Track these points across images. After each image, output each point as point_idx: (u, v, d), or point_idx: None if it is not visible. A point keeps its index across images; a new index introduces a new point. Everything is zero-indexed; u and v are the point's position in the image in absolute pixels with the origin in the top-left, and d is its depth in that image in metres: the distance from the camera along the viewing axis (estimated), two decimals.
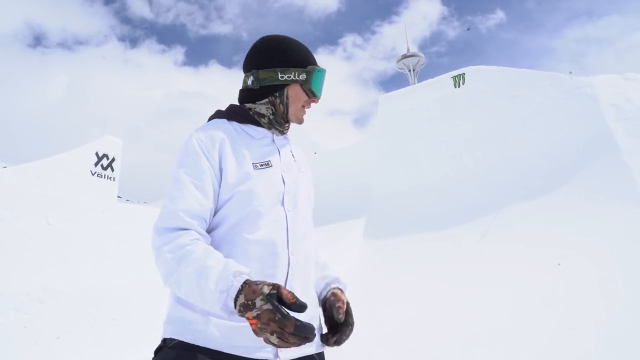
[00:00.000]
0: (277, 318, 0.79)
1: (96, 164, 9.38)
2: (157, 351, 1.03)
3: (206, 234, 1.05)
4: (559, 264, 4.90)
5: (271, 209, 1.09)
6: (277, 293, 0.84)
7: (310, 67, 1.20)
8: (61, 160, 8.77)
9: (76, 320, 3.80)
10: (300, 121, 1.24)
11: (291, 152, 1.24)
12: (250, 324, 0.82)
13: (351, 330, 1.13)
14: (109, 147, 9.75)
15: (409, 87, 11.19)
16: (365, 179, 9.69)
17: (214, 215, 1.08)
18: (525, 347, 3.47)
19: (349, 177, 10.50)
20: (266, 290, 0.83)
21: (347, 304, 1.16)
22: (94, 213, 5.00)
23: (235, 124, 1.18)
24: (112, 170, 9.72)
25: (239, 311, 0.84)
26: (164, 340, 1.03)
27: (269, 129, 1.20)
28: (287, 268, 1.06)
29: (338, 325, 1.12)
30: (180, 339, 0.99)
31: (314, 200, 1.33)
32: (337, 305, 1.13)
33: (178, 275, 0.93)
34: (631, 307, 3.64)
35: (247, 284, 0.86)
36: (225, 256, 0.99)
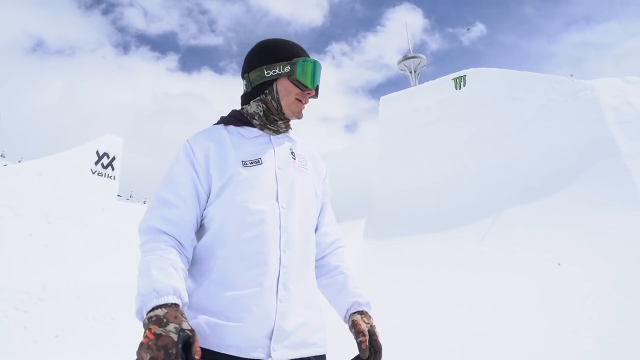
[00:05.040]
0: (171, 352, 0.79)
1: (96, 163, 9.38)
2: None
3: (181, 241, 1.06)
4: (559, 264, 4.90)
5: (262, 206, 1.08)
6: (190, 337, 0.84)
7: (295, 58, 1.19)
8: (62, 158, 8.77)
9: (75, 319, 3.80)
10: (297, 115, 1.22)
11: (291, 150, 1.23)
12: (145, 336, 0.81)
13: (379, 357, 1.11)
14: (110, 146, 9.75)
15: (410, 89, 11.16)
16: (366, 180, 9.68)
17: (205, 217, 1.11)
18: (525, 350, 3.46)
19: (349, 178, 10.49)
20: (185, 325, 0.84)
21: (371, 331, 1.13)
22: (94, 212, 5.00)
23: (231, 127, 1.21)
24: (113, 169, 9.71)
25: (148, 319, 0.84)
26: None
27: (262, 129, 1.20)
28: (278, 267, 1.05)
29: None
30: None
31: (327, 197, 1.36)
32: (359, 340, 1.10)
33: (139, 270, 0.98)
34: (631, 310, 3.63)
35: (176, 306, 0.88)
36: (216, 256, 1.04)
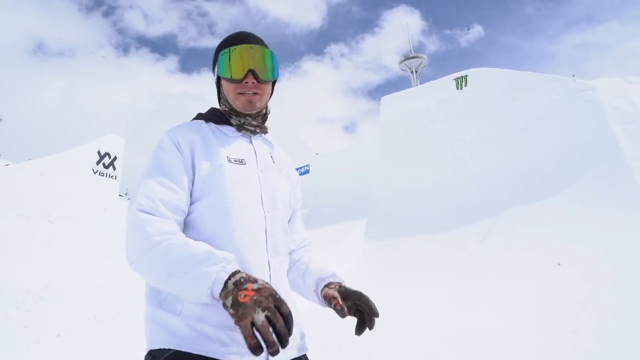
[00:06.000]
0: (277, 296, 0.78)
1: (98, 163, 9.40)
2: None
3: (181, 227, 1.01)
4: (559, 264, 4.90)
5: (248, 208, 1.06)
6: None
7: (219, 54, 1.14)
8: (63, 158, 8.79)
9: (77, 319, 3.81)
10: (246, 108, 1.13)
11: (270, 154, 1.21)
12: (245, 295, 0.77)
13: (368, 303, 1.05)
14: (111, 146, 9.76)
15: (411, 89, 11.15)
16: (367, 180, 9.68)
17: (190, 214, 1.05)
18: (525, 350, 3.46)
19: (350, 178, 10.49)
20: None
21: (342, 290, 1.09)
22: (96, 211, 5.01)
23: (212, 124, 1.17)
24: (114, 168, 9.73)
25: (235, 283, 0.81)
26: (152, 354, 0.95)
27: (239, 129, 1.17)
28: (268, 271, 1.04)
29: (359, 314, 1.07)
30: (174, 349, 0.92)
31: (298, 204, 1.32)
32: (333, 304, 1.06)
33: (161, 253, 0.89)
34: (632, 311, 3.62)
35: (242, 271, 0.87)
36: None
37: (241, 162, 1.10)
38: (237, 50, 1.11)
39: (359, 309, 1.06)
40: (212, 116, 1.19)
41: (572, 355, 3.24)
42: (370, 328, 1.05)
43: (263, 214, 1.08)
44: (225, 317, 0.90)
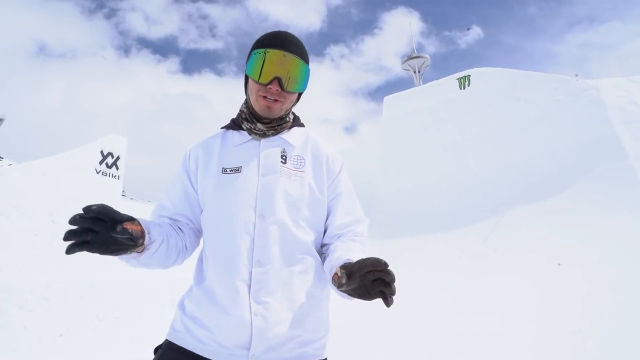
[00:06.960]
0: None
1: (101, 162, 9.41)
2: (156, 350, 1.10)
3: (173, 222, 1.16)
4: (559, 264, 4.89)
5: (235, 218, 1.06)
6: (118, 220, 0.85)
7: (252, 52, 1.12)
8: (66, 158, 8.81)
9: (79, 319, 3.81)
10: (263, 111, 1.13)
11: (282, 153, 1.15)
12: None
13: (372, 261, 0.86)
14: (114, 146, 9.78)
15: (414, 89, 11.13)
16: (369, 179, 9.67)
17: (201, 226, 1.17)
18: (526, 350, 3.45)
19: (353, 177, 10.42)
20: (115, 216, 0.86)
21: (346, 265, 0.96)
22: None
23: (230, 131, 1.21)
24: (117, 168, 9.75)
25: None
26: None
27: (250, 133, 1.17)
28: (248, 280, 1.02)
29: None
30: (169, 339, 1.08)
31: (338, 198, 1.20)
32: (336, 281, 0.93)
33: None
34: (634, 312, 3.61)
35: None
36: (204, 268, 1.10)
37: (237, 170, 1.12)
38: (271, 54, 1.08)
39: (368, 277, 0.86)
40: (232, 124, 1.24)
41: (573, 356, 3.23)
42: (390, 281, 0.84)
43: (253, 222, 1.06)
44: (210, 320, 1.03)
